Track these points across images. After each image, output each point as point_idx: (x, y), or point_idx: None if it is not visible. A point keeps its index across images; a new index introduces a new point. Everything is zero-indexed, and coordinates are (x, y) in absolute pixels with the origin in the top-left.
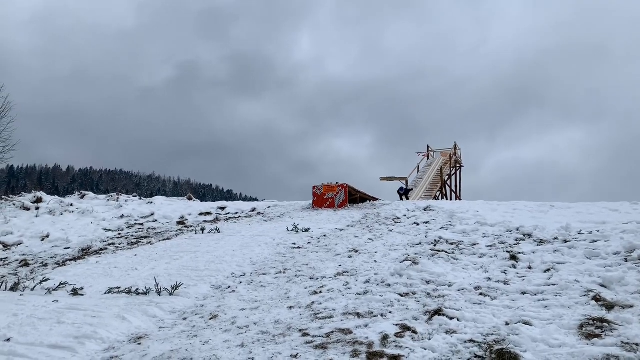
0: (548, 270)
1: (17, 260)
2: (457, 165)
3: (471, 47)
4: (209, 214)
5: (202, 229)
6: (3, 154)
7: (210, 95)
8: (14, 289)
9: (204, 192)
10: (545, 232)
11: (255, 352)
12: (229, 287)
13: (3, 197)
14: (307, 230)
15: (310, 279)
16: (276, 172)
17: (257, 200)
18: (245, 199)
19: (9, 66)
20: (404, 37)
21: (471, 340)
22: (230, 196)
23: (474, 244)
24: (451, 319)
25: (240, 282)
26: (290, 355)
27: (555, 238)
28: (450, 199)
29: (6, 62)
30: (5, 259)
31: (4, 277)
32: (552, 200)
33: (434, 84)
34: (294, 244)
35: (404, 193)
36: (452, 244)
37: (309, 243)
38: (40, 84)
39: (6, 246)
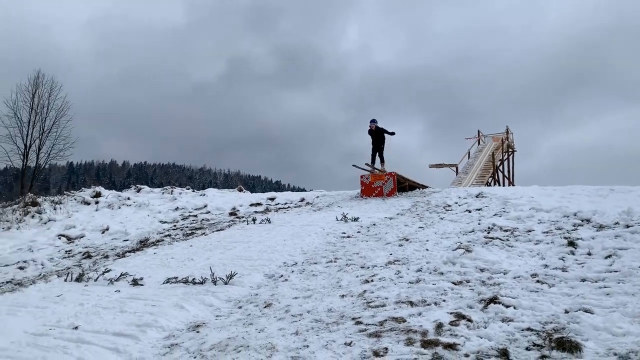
0: (609, 256)
1: (80, 252)
2: (510, 150)
3: (524, 28)
4: (259, 204)
5: (254, 220)
6: (63, 151)
7: (259, 88)
8: (79, 279)
9: (253, 184)
10: (605, 217)
11: (310, 339)
12: (282, 275)
13: (65, 192)
14: (356, 219)
15: (361, 267)
16: (324, 163)
17: (305, 191)
18: (293, 190)
19: (68, 67)
20: (453, 21)
21: (529, 329)
22: (278, 187)
23: (529, 231)
24: (507, 307)
25: (292, 271)
26: (345, 343)
27: (616, 223)
28: (503, 185)
29: (66, 63)
30: (69, 251)
31: (69, 268)
32: (610, 183)
33: (485, 68)
34: (344, 233)
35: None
36: (506, 230)
37: (358, 232)
38: (96, 84)
39: (70, 239)
